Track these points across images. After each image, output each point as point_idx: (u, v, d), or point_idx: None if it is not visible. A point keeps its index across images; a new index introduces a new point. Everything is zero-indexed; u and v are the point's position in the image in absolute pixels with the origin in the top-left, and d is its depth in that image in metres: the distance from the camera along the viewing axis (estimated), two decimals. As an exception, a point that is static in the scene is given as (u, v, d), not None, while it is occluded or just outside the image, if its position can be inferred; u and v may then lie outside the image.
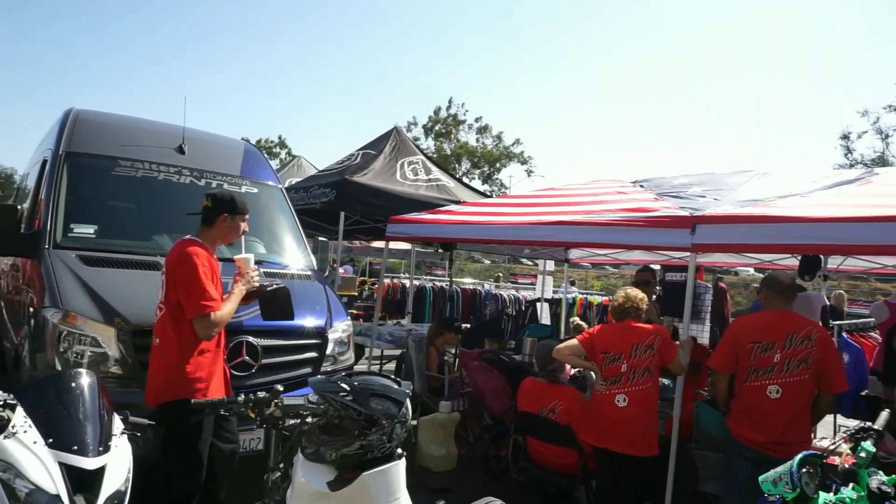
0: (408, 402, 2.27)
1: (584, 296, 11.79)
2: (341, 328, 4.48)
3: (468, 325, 8.86)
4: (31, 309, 3.88)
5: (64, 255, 3.94)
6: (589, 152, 75.50)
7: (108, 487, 2.06)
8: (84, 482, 2.01)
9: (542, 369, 4.26)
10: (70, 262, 3.88)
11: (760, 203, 4.13)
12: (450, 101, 34.05)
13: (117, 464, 2.14)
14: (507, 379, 4.95)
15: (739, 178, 4.99)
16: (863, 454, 2.38)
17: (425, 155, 8.64)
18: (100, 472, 2.05)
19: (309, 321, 4.21)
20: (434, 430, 5.06)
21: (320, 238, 5.47)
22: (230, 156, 5.45)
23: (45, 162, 4.82)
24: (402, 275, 14.96)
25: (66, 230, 4.18)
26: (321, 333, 4.25)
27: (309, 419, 2.32)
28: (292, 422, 2.37)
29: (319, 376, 2.79)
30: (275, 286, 3.47)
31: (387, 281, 14.32)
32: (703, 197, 4.65)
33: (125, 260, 4.05)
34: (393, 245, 7.23)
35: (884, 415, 2.64)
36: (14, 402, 2.06)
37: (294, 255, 5.06)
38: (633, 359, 3.65)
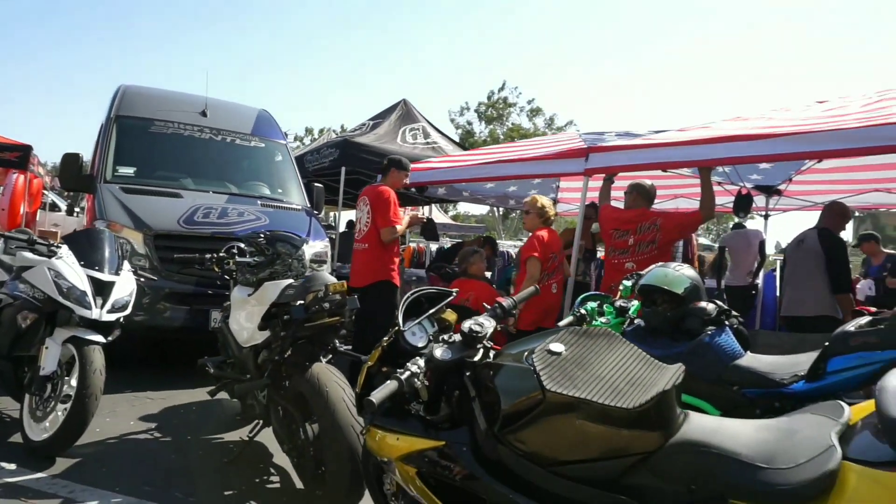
0: (304, 247, 3.49)
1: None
2: (319, 246, 5.70)
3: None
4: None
5: (111, 188, 5.36)
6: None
7: (116, 295, 3.37)
8: (101, 289, 3.32)
9: (461, 268, 5.38)
10: (115, 192, 5.29)
11: (644, 137, 5.11)
12: (503, 84, 33.69)
13: (124, 284, 3.45)
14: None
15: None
16: (621, 288, 3.40)
17: (427, 122, 9.69)
18: (111, 284, 3.36)
19: None
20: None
21: (316, 184, 6.70)
22: (244, 119, 6.80)
23: (102, 125, 6.29)
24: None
25: (113, 171, 5.62)
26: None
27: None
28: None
29: (251, 230, 4.01)
30: (426, 218, 6.00)
31: (413, 245, 15.70)
32: (614, 140, 5.61)
33: (154, 191, 5.43)
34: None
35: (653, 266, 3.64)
36: (63, 243, 3.39)
37: (290, 194, 6.36)
38: (560, 255, 4.83)
